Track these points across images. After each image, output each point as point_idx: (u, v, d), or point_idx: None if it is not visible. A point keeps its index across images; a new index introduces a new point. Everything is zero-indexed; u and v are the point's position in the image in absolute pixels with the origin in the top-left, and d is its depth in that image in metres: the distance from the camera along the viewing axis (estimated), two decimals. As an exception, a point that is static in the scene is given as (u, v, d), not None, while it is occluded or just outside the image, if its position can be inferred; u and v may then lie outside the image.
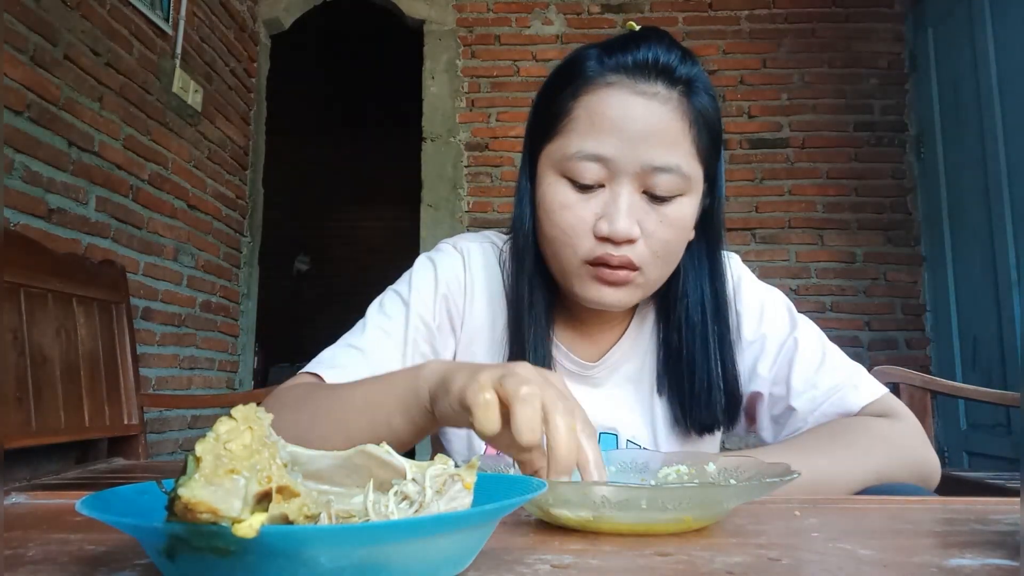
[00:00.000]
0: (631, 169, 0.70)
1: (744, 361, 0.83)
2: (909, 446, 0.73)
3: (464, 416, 0.49)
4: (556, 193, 0.73)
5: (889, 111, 3.28)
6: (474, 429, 0.48)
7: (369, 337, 0.79)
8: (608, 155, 0.70)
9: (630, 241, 0.71)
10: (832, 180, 3.26)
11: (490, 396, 0.47)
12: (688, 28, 3.38)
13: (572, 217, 0.72)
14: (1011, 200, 2.53)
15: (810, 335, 0.82)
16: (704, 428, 0.81)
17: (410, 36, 3.63)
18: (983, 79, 2.67)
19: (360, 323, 0.82)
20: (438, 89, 3.43)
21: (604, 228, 0.70)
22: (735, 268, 0.87)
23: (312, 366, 0.78)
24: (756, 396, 0.83)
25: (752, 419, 0.85)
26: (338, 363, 0.76)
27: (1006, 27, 2.57)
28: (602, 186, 0.72)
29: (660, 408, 0.83)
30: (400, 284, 0.85)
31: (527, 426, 0.45)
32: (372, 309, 0.83)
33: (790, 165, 3.28)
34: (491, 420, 0.47)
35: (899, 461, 0.71)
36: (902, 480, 0.69)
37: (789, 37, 3.35)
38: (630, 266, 0.71)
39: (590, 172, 0.71)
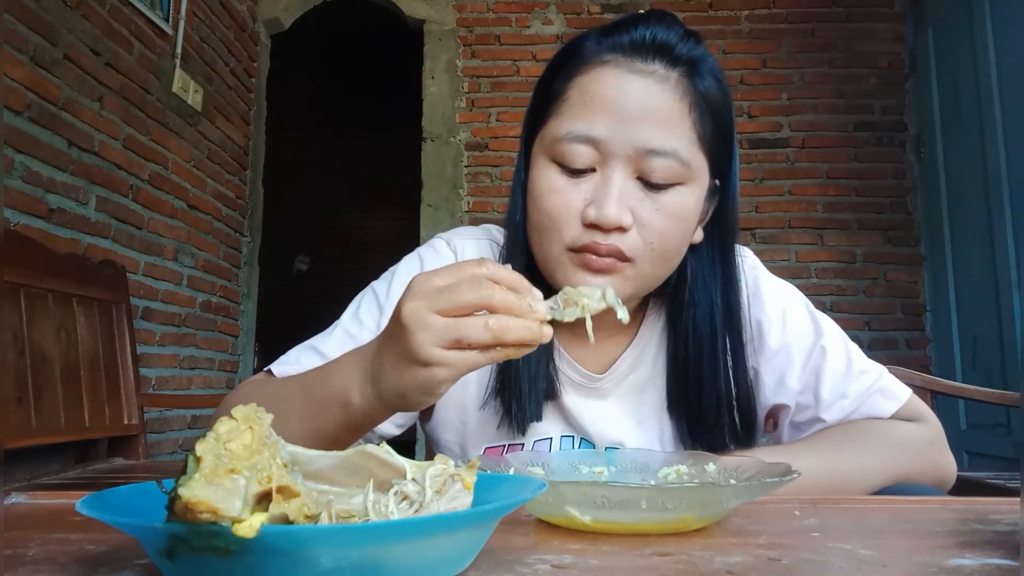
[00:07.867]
0: (624, 152, 0.65)
1: (771, 372, 0.78)
2: (929, 451, 0.73)
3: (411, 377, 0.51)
4: (544, 178, 0.68)
5: (889, 111, 3.28)
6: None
7: (334, 341, 0.75)
8: (599, 136, 0.65)
9: (620, 229, 0.65)
10: (832, 180, 3.26)
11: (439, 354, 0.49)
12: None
13: (559, 202, 0.67)
14: (1011, 200, 2.53)
15: (835, 340, 0.78)
16: (712, 451, 0.73)
17: (410, 36, 3.63)
18: (983, 79, 2.67)
19: (336, 323, 0.78)
20: (438, 89, 3.42)
21: (592, 214, 0.65)
22: (751, 266, 0.81)
23: (273, 364, 0.75)
24: (781, 407, 0.79)
25: (774, 424, 0.82)
26: (300, 363, 0.73)
27: (1006, 27, 2.57)
28: (594, 170, 0.67)
29: (668, 422, 0.78)
30: (381, 283, 0.79)
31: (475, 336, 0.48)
32: (348, 310, 0.78)
33: (790, 165, 3.28)
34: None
35: (920, 465, 0.71)
36: (920, 483, 0.70)
37: (789, 37, 3.35)
38: (619, 256, 0.66)
39: (580, 155, 0.66)
